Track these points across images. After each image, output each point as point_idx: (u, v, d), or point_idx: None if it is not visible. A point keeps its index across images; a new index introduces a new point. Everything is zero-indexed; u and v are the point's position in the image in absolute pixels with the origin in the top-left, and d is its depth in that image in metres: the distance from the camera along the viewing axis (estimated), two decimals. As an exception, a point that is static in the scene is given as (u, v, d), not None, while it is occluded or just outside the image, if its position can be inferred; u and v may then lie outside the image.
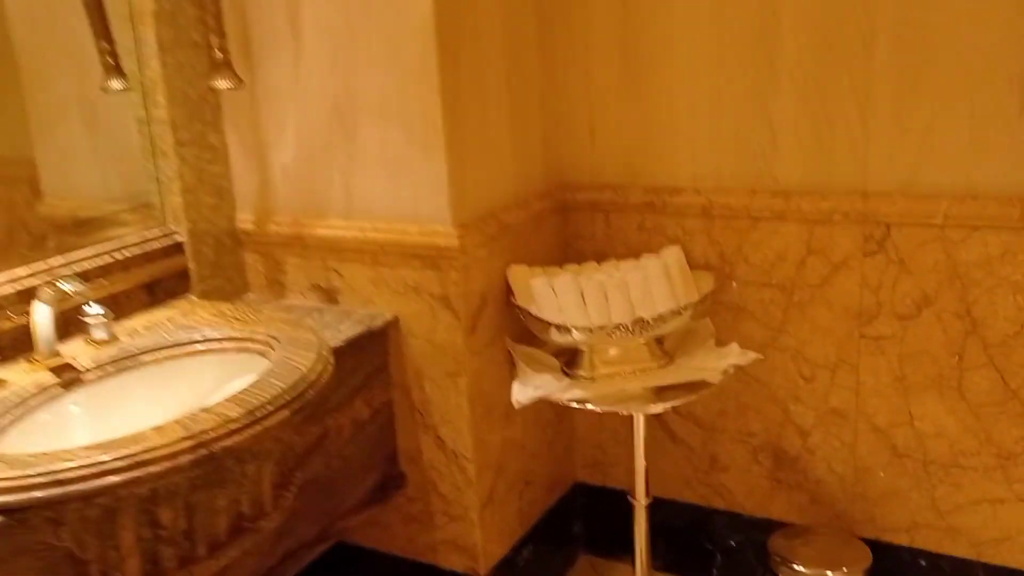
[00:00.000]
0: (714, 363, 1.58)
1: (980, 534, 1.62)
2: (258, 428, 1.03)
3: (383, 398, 1.59)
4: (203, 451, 0.97)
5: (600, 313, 1.54)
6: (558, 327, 1.52)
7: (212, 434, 0.98)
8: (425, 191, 1.49)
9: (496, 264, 1.60)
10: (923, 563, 1.68)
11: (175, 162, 1.53)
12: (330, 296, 1.62)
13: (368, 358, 1.54)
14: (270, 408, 1.05)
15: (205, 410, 1.03)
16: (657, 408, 1.54)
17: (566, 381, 1.58)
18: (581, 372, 1.59)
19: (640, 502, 1.65)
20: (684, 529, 1.87)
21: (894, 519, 1.68)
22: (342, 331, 1.48)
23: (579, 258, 1.78)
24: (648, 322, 1.51)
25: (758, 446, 1.77)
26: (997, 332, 1.52)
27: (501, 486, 1.68)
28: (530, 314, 1.55)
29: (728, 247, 1.69)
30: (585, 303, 1.55)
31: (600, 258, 1.75)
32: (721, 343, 1.65)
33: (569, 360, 1.63)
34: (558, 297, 1.55)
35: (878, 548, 1.65)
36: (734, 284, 1.70)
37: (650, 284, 1.56)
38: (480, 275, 1.55)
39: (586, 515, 1.97)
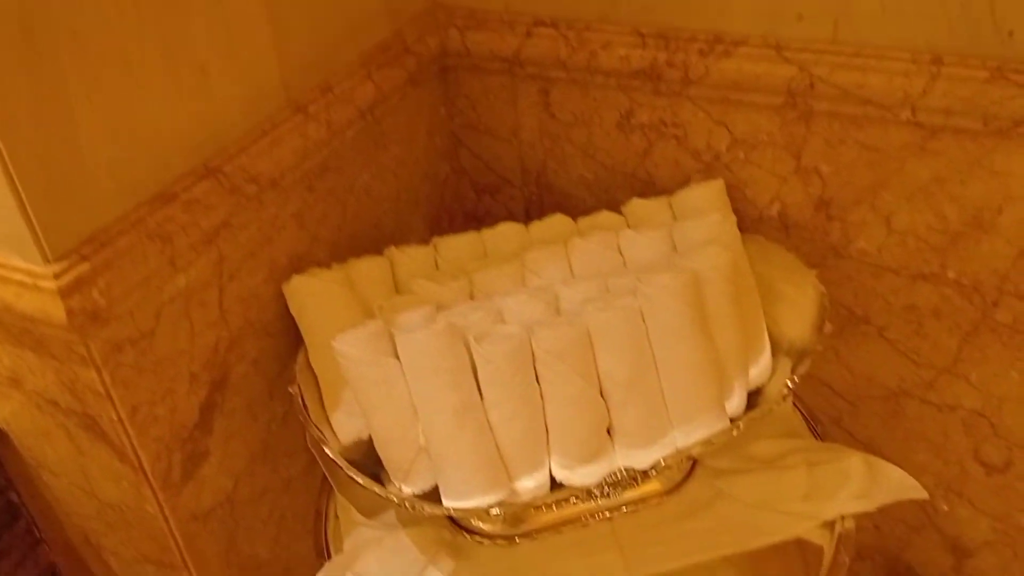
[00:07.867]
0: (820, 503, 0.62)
1: None
2: None
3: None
4: None
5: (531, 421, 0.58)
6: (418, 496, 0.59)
7: None
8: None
9: (241, 289, 0.62)
10: None
11: None
12: None
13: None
14: None
15: None
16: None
17: (441, 558, 0.62)
18: (484, 526, 0.63)
19: None
20: None
21: None
22: None
23: (467, 221, 0.85)
24: (661, 462, 0.61)
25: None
26: None
27: None
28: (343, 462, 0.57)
29: (848, 193, 0.68)
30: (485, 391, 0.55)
31: (523, 215, 0.82)
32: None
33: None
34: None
35: None
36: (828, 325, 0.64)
37: (659, 317, 0.59)
38: (177, 339, 0.58)
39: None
